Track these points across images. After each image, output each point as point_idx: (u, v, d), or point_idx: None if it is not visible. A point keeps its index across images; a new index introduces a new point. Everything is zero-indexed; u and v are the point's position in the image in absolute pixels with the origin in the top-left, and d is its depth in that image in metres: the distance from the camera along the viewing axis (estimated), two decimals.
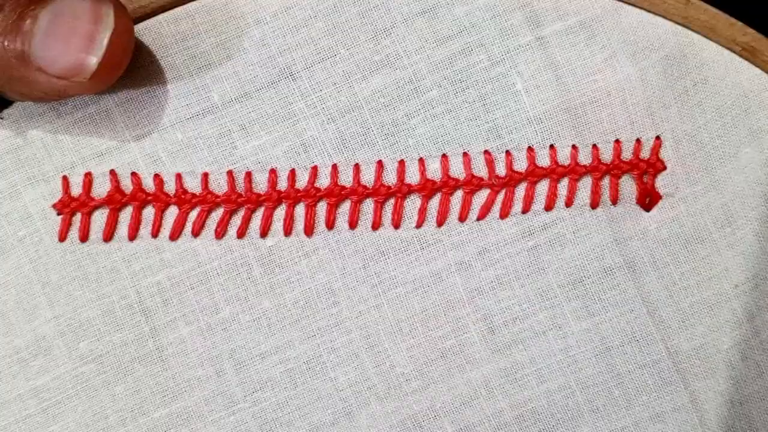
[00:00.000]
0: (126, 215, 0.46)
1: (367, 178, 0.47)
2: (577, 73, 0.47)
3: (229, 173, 0.46)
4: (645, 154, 0.47)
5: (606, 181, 0.48)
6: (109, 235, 0.46)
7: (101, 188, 0.46)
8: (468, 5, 0.46)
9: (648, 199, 0.48)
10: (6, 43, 0.40)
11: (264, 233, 0.47)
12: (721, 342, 0.49)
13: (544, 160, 0.47)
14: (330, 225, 0.47)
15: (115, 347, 0.47)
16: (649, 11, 0.46)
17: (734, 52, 0.46)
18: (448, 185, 0.47)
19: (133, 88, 0.46)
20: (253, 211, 0.47)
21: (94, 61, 0.40)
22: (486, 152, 0.47)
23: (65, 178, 0.46)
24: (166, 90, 0.46)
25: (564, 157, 0.47)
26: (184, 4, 0.45)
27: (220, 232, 0.47)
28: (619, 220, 0.48)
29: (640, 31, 0.46)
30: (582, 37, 0.46)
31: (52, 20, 0.40)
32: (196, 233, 0.47)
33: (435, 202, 0.47)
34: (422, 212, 0.47)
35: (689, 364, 0.49)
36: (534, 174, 0.47)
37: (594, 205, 0.48)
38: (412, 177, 0.47)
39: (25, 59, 0.40)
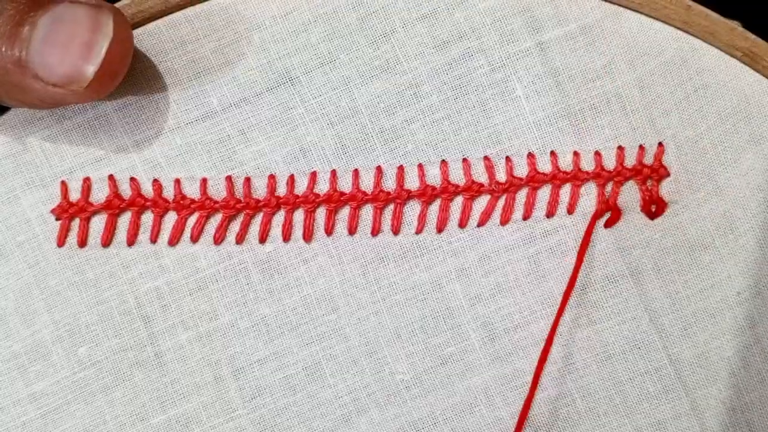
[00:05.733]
0: (125, 221, 0.46)
1: (366, 183, 0.47)
2: (577, 79, 0.46)
3: (228, 179, 0.46)
4: (648, 160, 0.47)
5: (609, 189, 0.47)
6: (107, 241, 0.46)
7: (100, 193, 0.46)
8: (468, 10, 0.46)
9: (653, 206, 0.47)
10: (3, 49, 0.40)
11: (263, 239, 0.47)
12: (723, 350, 0.48)
13: (545, 166, 0.47)
14: (329, 231, 0.47)
15: (114, 353, 0.47)
16: (649, 16, 0.46)
17: (735, 57, 0.46)
18: (448, 191, 0.47)
19: (132, 93, 0.46)
20: (252, 216, 0.47)
21: (91, 70, 0.40)
22: (486, 158, 0.47)
23: (64, 183, 0.46)
24: (165, 95, 0.46)
25: (566, 163, 0.47)
26: (183, 8, 0.45)
27: (219, 238, 0.46)
28: (623, 227, 0.48)
29: (640, 37, 0.46)
30: (582, 42, 0.46)
31: (50, 27, 0.40)
32: (194, 239, 0.46)
33: (435, 208, 0.47)
34: (422, 218, 0.47)
35: (691, 371, 0.48)
36: (535, 180, 0.47)
37: (600, 214, 0.47)
38: (412, 183, 0.47)
39: (22, 66, 0.40)
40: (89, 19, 0.40)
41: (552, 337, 0.47)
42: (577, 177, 0.47)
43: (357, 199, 0.47)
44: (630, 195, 0.48)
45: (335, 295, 0.47)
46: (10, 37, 0.40)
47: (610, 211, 0.47)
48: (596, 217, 0.47)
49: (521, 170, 0.47)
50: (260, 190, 0.46)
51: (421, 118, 0.46)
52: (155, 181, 0.46)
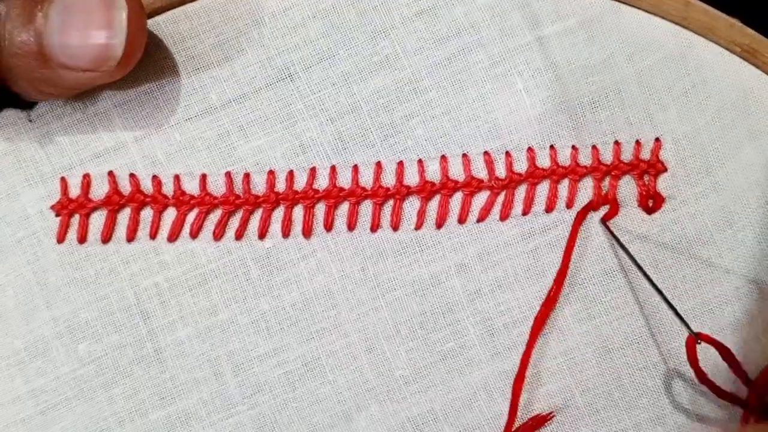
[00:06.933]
0: (124, 217, 0.46)
1: (366, 179, 0.47)
2: (577, 73, 0.46)
3: (228, 174, 0.46)
4: (645, 155, 0.47)
5: (606, 183, 0.47)
6: (107, 237, 0.46)
7: (99, 190, 0.46)
8: (467, 5, 0.46)
9: (651, 201, 0.47)
10: (20, 47, 0.39)
11: (262, 235, 0.47)
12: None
13: (544, 161, 0.47)
14: (328, 227, 0.47)
15: (114, 349, 0.47)
16: (648, 12, 0.46)
17: (734, 53, 0.46)
18: (448, 187, 0.47)
19: (132, 89, 0.45)
20: (251, 212, 0.47)
21: (119, 46, 0.39)
22: (485, 153, 0.47)
23: (63, 180, 0.46)
24: (165, 91, 0.46)
25: (564, 158, 0.47)
26: (182, 5, 0.45)
27: (219, 234, 0.46)
28: (620, 222, 0.48)
29: (639, 32, 0.46)
30: (581, 37, 0.46)
31: (64, 14, 0.39)
32: (194, 235, 0.46)
33: (434, 203, 0.47)
34: (421, 214, 0.47)
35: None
36: (534, 175, 0.47)
37: (595, 206, 0.47)
38: (411, 178, 0.47)
39: (45, 59, 0.39)
40: None
41: (538, 329, 0.47)
42: (575, 171, 0.47)
43: (356, 195, 0.47)
44: (628, 190, 0.48)
45: (334, 291, 0.47)
46: (24, 33, 0.39)
47: (606, 204, 0.47)
48: (588, 208, 0.47)
49: (521, 165, 0.47)
50: (259, 186, 0.46)
51: (420, 113, 0.46)
52: (155, 177, 0.46)
